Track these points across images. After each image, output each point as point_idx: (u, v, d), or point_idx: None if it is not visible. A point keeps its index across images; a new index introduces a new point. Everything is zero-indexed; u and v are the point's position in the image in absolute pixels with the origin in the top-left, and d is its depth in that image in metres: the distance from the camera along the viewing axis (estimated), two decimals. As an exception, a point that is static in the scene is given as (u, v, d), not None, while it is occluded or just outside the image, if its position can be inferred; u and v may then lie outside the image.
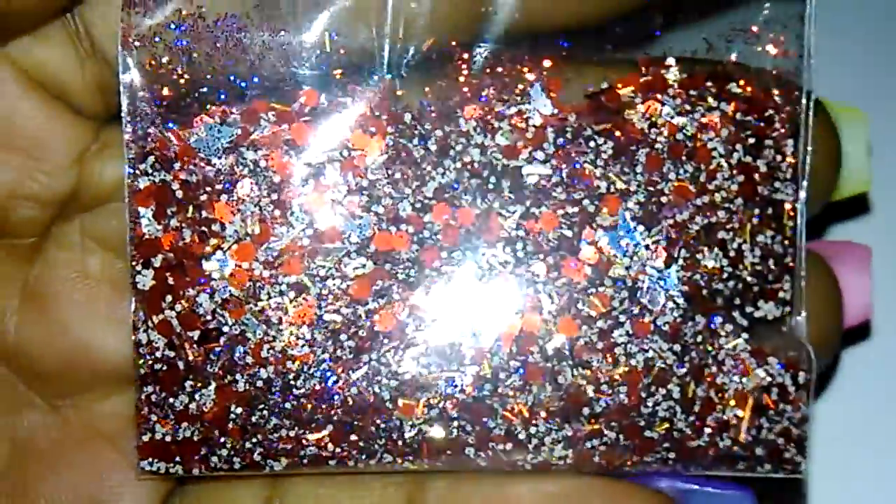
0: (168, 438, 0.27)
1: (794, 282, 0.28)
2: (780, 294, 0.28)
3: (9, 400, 0.28)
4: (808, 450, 0.28)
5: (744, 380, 0.27)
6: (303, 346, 0.27)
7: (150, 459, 0.27)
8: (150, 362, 0.27)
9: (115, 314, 0.28)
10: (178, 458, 0.27)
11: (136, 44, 0.26)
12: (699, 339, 0.27)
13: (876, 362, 0.34)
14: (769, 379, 0.28)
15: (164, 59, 0.27)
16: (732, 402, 0.27)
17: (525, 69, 0.28)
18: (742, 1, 0.29)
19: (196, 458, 0.27)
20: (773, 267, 0.28)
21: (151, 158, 0.27)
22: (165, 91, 0.27)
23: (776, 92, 0.28)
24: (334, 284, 0.27)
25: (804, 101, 0.28)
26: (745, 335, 0.28)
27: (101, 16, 0.26)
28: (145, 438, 0.27)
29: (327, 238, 0.27)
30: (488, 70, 0.28)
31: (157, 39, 0.26)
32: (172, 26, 0.26)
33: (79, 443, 0.28)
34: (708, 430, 0.27)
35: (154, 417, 0.27)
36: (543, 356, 0.27)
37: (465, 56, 0.28)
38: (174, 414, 0.27)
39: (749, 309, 0.28)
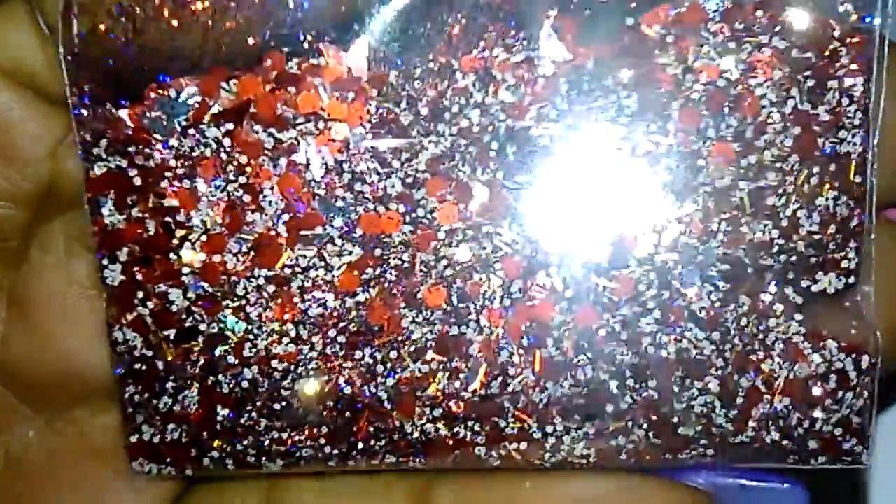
0: (157, 440, 0.25)
1: (860, 249, 0.24)
2: (844, 264, 0.24)
3: (0, 414, 0.27)
4: (871, 440, 0.24)
5: (797, 367, 0.24)
6: (288, 343, 0.24)
7: (141, 461, 0.25)
8: (129, 361, 0.25)
9: (103, 322, 0.25)
10: (168, 459, 0.25)
11: (77, 12, 0.23)
12: (743, 322, 0.24)
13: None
14: (826, 365, 0.24)
15: (109, 28, 0.23)
16: (782, 393, 0.24)
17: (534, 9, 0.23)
18: None
19: (187, 459, 0.25)
20: (835, 233, 0.23)
21: (104, 142, 0.23)
22: (112, 63, 0.23)
23: (842, 22, 0.23)
24: (318, 275, 0.24)
25: (878, 29, 0.23)
26: (798, 315, 0.24)
27: None
28: (133, 439, 0.25)
29: (306, 224, 0.23)
30: (487, 10, 0.23)
31: (99, 4, 0.23)
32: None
33: (73, 458, 0.26)
34: (753, 424, 0.24)
35: (140, 418, 0.25)
36: (559, 349, 0.24)
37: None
38: (160, 415, 0.25)
39: (805, 283, 0.23)
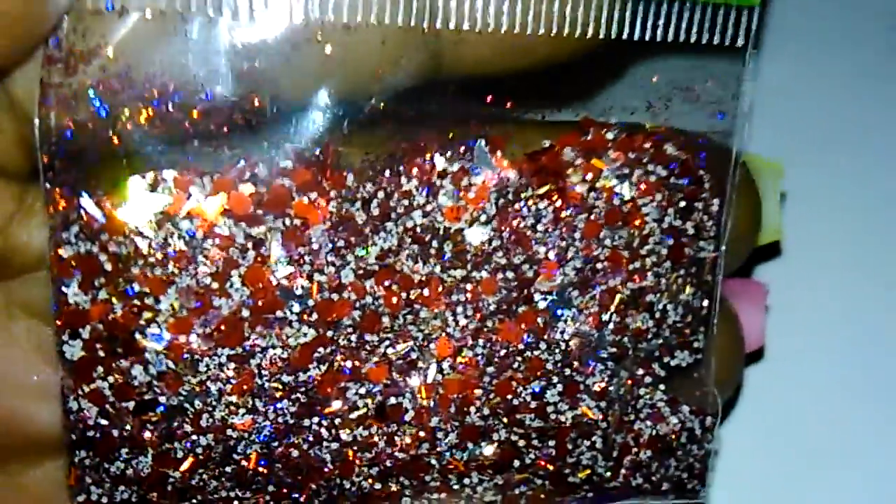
0: (105, 500, 0.27)
1: (707, 331, 0.30)
2: (695, 343, 0.30)
3: None
4: (708, 478, 0.31)
5: (658, 426, 0.30)
6: (244, 414, 0.27)
7: (87, 519, 0.27)
8: (82, 429, 0.26)
9: (45, 383, 0.26)
10: (116, 518, 0.27)
11: (56, 104, 0.24)
12: (622, 391, 0.29)
13: (768, 382, 0.38)
14: (680, 425, 0.30)
15: (87, 120, 0.24)
16: (647, 447, 0.30)
17: (469, 125, 0.27)
18: (684, 57, 0.29)
19: (135, 517, 0.27)
20: (691, 321, 0.30)
21: (75, 228, 0.25)
22: (88, 154, 0.24)
23: (707, 154, 0.29)
24: (275, 354, 0.26)
25: (732, 161, 0.29)
26: (662, 386, 0.30)
27: (21, 71, 0.24)
28: (80, 499, 0.27)
29: (268, 308, 0.26)
30: (431, 125, 0.27)
31: (79, 99, 0.24)
32: (96, 84, 0.24)
33: None
34: (623, 472, 0.30)
35: (88, 480, 0.27)
36: (480, 416, 0.28)
37: (408, 111, 0.27)
38: (109, 478, 0.27)
39: (667, 360, 0.30)
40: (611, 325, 0.29)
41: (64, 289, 0.25)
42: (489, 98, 0.28)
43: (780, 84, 0.40)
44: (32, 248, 0.26)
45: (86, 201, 0.25)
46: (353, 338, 0.27)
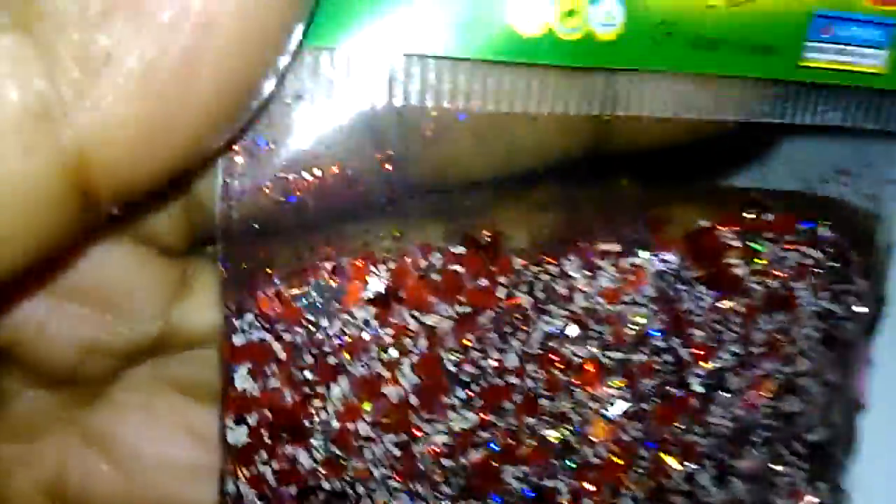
0: (256, 584, 0.26)
1: (845, 407, 0.30)
2: (833, 419, 0.30)
3: None
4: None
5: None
6: (406, 500, 0.26)
7: None
8: (239, 513, 0.26)
9: (196, 464, 0.26)
10: None
11: (235, 190, 0.23)
12: (767, 471, 0.29)
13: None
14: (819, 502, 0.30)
15: (266, 207, 0.24)
16: None
17: (630, 205, 0.27)
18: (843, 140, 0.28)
19: None
20: (831, 399, 0.30)
21: (250, 316, 0.24)
22: (265, 242, 0.24)
23: (859, 237, 0.29)
24: (440, 439, 0.26)
25: (881, 245, 0.29)
26: (803, 463, 0.30)
27: None
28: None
29: (435, 395, 0.26)
30: (592, 207, 0.27)
31: (258, 185, 0.23)
32: (276, 171, 0.23)
33: None
34: None
35: (242, 566, 0.26)
36: (633, 499, 0.28)
37: (571, 193, 0.26)
38: (263, 562, 0.26)
39: (807, 437, 0.30)
40: (764, 409, 0.28)
41: (233, 375, 0.24)
42: (650, 177, 0.27)
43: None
44: (193, 328, 0.25)
45: (261, 290, 0.24)
46: (513, 421, 0.27)
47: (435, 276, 0.25)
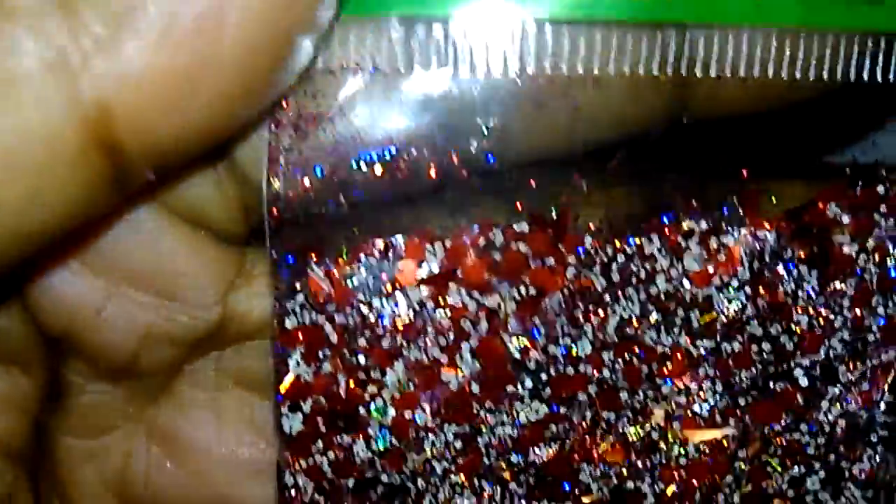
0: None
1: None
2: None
3: None
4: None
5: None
6: (469, 496, 0.25)
7: None
8: (298, 506, 0.25)
9: (258, 459, 0.25)
10: None
11: (284, 169, 0.22)
12: (888, 477, 0.26)
13: None
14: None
15: (316, 185, 0.23)
16: None
17: (718, 179, 0.24)
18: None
19: None
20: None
21: (301, 298, 0.23)
22: (316, 221, 0.23)
23: None
24: (504, 432, 0.24)
25: None
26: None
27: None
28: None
29: (499, 383, 0.24)
30: (675, 181, 0.24)
31: (308, 163, 0.22)
32: (326, 147, 0.22)
33: None
34: None
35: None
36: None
37: (650, 166, 0.24)
38: (323, 558, 0.25)
39: None
40: (882, 405, 0.25)
41: (286, 361, 0.24)
42: (740, 148, 0.25)
43: None
44: (251, 316, 0.25)
45: (312, 270, 0.23)
46: (589, 415, 0.24)
47: (495, 255, 0.23)
